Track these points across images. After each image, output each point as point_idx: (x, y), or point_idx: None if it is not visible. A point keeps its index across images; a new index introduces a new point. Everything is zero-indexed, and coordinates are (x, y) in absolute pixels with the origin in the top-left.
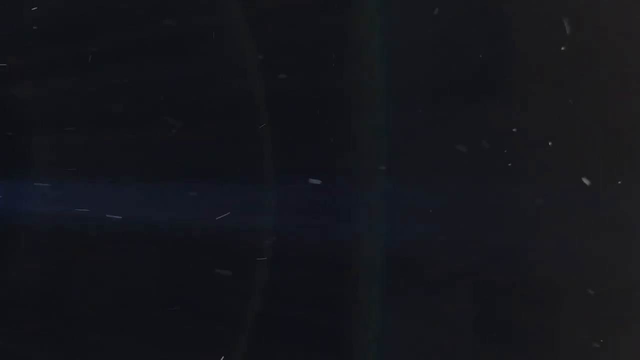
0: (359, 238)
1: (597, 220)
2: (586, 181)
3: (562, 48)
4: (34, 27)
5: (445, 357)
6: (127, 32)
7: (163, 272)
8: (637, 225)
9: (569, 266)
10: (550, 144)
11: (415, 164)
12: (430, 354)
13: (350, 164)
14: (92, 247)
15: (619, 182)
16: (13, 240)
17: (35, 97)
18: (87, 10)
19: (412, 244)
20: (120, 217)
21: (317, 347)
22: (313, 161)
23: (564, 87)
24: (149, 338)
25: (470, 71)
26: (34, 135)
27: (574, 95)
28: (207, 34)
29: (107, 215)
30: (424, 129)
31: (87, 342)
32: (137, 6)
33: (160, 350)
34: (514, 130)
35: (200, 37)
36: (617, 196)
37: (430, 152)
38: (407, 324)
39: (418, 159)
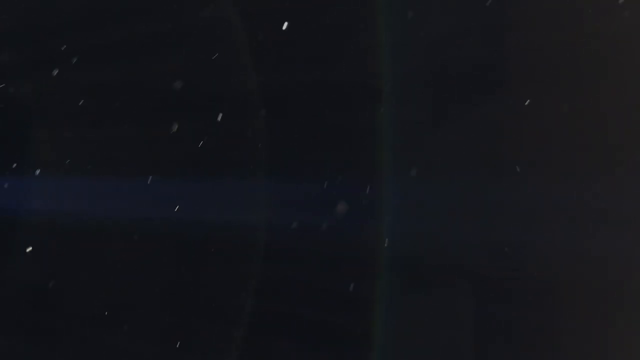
0: (358, 236)
1: (598, 219)
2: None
3: (563, 48)
4: (33, 24)
5: (445, 356)
6: (126, 29)
7: (162, 270)
8: (637, 224)
9: (570, 265)
10: (550, 143)
11: (416, 162)
12: (430, 352)
13: (351, 162)
14: (90, 244)
15: (619, 181)
16: (12, 238)
17: (35, 94)
18: (86, 8)
19: (412, 243)
20: (118, 214)
21: (317, 346)
22: (313, 159)
23: (565, 87)
24: (148, 335)
25: (472, 70)
26: (33, 132)
27: (574, 94)
28: (206, 30)
29: (105, 213)
30: (425, 128)
31: (85, 340)
32: (136, 3)
33: (159, 348)
34: (514, 129)
35: (199, 34)
36: (618, 195)
37: (431, 151)
38: (408, 322)
39: (419, 157)
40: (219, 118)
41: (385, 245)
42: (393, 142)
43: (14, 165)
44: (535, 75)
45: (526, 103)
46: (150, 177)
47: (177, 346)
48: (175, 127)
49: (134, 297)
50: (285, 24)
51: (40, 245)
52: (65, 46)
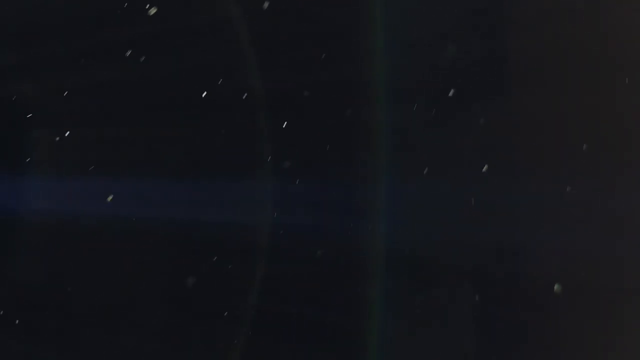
0: (358, 237)
1: (598, 219)
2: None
3: (562, 47)
4: (34, 24)
5: (445, 356)
6: (126, 29)
7: (163, 270)
8: (637, 224)
9: (570, 265)
10: (550, 143)
11: (416, 162)
12: (430, 352)
13: (351, 162)
14: (90, 244)
15: (619, 181)
16: (13, 238)
17: (35, 94)
18: (87, 8)
19: (412, 243)
20: (119, 214)
21: (317, 346)
22: (314, 159)
23: (564, 86)
24: (149, 335)
25: (471, 70)
26: (33, 132)
27: (574, 94)
28: (207, 30)
29: (105, 213)
30: (424, 128)
31: (86, 340)
32: (137, 3)
33: (160, 348)
34: (514, 129)
35: (200, 34)
36: (618, 195)
37: (431, 151)
38: (408, 322)
39: (418, 157)
40: (221, 118)
41: (385, 245)
42: (393, 142)
43: (14, 165)
44: (535, 75)
45: (525, 103)
46: (151, 178)
47: (177, 346)
48: (176, 127)
49: (134, 297)
50: (286, 24)
51: (40, 245)
52: (65, 46)
